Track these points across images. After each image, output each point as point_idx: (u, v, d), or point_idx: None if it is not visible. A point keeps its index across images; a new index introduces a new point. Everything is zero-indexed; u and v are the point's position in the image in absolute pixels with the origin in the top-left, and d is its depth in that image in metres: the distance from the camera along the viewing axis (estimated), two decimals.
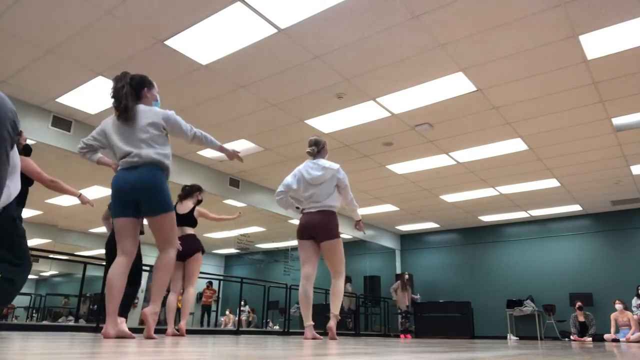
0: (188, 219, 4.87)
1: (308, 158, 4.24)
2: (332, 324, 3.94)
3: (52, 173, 3.58)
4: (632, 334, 8.52)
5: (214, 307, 12.99)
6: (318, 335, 3.96)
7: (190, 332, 6.41)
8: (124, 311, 4.16)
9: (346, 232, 11.70)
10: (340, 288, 3.99)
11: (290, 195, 4.17)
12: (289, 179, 4.11)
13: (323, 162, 4.09)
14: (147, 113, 2.94)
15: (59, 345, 1.74)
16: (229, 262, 17.53)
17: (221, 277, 10.38)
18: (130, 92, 2.92)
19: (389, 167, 8.12)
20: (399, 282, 11.12)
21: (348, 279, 12.19)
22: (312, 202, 4.00)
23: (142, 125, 2.88)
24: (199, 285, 9.29)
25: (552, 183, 8.62)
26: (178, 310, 5.90)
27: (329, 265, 4.04)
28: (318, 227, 3.95)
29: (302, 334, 8.96)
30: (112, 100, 2.90)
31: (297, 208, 4.16)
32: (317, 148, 4.22)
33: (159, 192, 2.79)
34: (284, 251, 14.93)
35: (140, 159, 2.79)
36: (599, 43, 4.49)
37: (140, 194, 2.77)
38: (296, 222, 11.12)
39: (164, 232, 2.86)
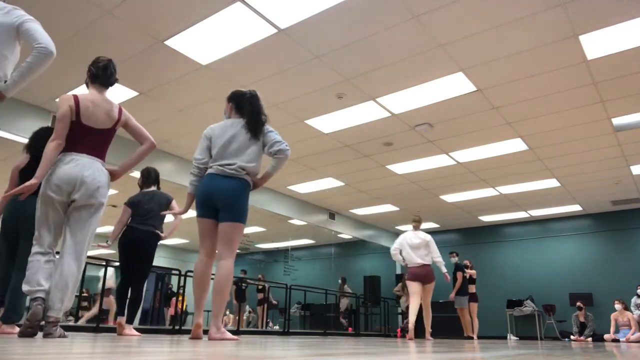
0: None
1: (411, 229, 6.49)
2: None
3: None
4: (632, 334, 8.52)
5: None
6: None
7: (190, 332, 6.41)
8: (130, 317, 4.14)
9: (346, 232, 11.71)
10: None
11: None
12: (399, 241, 6.39)
13: (423, 234, 6.36)
14: None
15: (58, 345, 1.74)
16: None
17: None
18: None
19: (389, 167, 8.12)
20: (400, 284, 11.11)
21: (344, 280, 12.23)
22: (413, 259, 6.25)
23: None
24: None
25: (552, 183, 8.62)
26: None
27: (425, 299, 6.36)
28: (424, 276, 6.22)
29: (301, 334, 8.97)
30: None
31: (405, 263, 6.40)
32: (420, 223, 6.51)
33: None
34: (284, 251, 14.94)
35: None
36: (599, 43, 4.49)
37: None
38: (296, 222, 11.22)
39: None
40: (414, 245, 6.21)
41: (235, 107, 3.20)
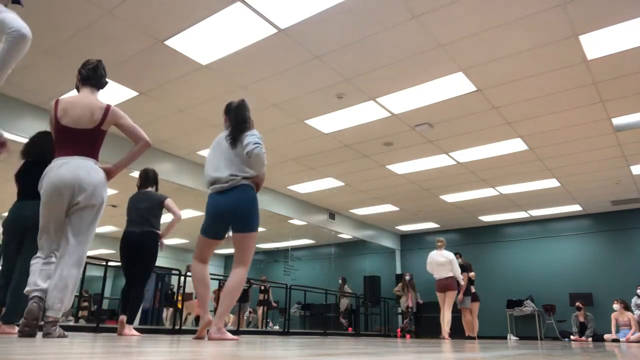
0: None
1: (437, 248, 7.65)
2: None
3: None
4: (632, 334, 8.52)
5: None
6: None
7: (190, 331, 6.41)
8: (130, 317, 4.13)
9: (346, 232, 11.71)
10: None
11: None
12: (428, 260, 7.64)
13: (446, 253, 7.51)
14: None
15: (58, 345, 1.74)
16: (229, 262, 17.54)
17: (221, 277, 10.37)
18: None
19: (389, 167, 8.12)
20: (400, 284, 11.10)
21: (344, 280, 12.25)
22: (439, 273, 7.51)
23: None
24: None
25: (552, 183, 8.62)
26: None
27: (447, 303, 7.36)
28: (448, 285, 7.38)
29: (301, 334, 8.96)
30: None
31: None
32: (443, 244, 7.62)
33: None
34: (284, 251, 14.95)
35: None
36: (599, 43, 4.49)
37: None
38: (296, 222, 11.22)
39: None
40: (439, 263, 7.54)
41: (227, 119, 3.23)
